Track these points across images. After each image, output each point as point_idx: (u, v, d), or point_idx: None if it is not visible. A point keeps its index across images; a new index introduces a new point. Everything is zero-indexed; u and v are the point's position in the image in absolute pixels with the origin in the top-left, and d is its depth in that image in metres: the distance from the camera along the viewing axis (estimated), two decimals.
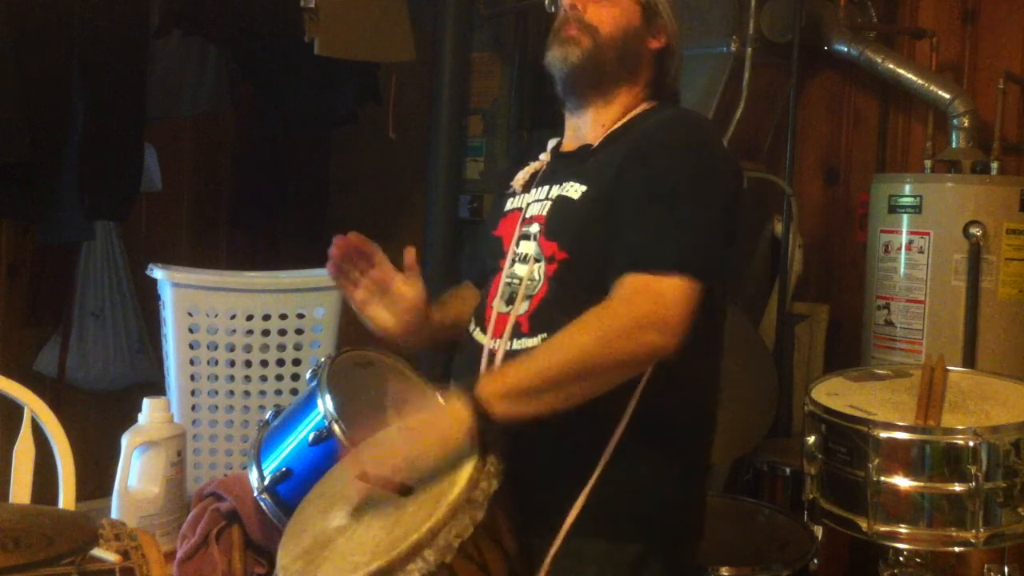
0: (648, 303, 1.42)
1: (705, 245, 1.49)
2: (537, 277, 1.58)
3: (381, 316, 1.67)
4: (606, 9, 1.65)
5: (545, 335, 1.52)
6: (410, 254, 1.67)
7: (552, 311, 1.54)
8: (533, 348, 1.52)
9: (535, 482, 1.50)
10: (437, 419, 1.44)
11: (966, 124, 2.83)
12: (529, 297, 1.58)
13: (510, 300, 1.60)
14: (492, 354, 1.58)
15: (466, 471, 1.39)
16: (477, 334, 1.65)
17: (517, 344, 1.56)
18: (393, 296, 1.66)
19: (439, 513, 1.33)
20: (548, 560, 1.48)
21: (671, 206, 1.48)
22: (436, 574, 1.31)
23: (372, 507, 1.45)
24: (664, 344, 1.41)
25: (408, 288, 1.66)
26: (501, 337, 1.57)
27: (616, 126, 1.66)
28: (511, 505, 1.46)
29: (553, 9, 1.74)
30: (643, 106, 1.68)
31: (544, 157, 1.75)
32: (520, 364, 1.45)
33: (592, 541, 1.51)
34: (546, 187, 1.67)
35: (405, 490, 1.43)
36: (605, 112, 1.67)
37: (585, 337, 1.42)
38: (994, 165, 2.79)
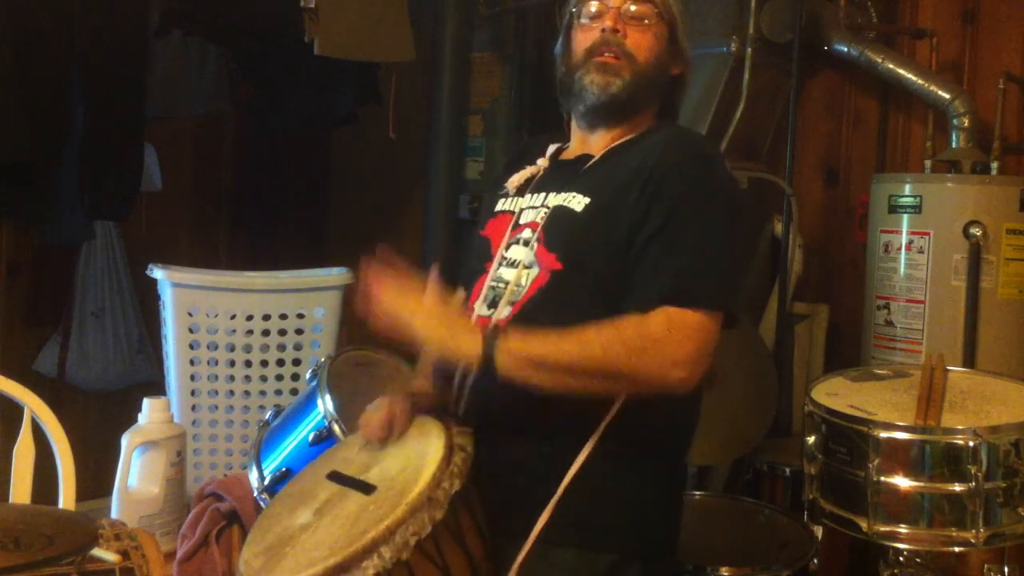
0: (689, 341, 1.43)
1: (732, 278, 1.53)
2: (524, 283, 1.56)
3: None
4: (644, 36, 1.64)
5: None
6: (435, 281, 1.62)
7: (531, 319, 1.53)
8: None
9: (507, 485, 1.50)
10: (451, 327, 1.46)
11: (966, 124, 2.83)
12: (512, 303, 1.56)
13: (492, 304, 1.59)
14: None
15: (430, 469, 1.40)
16: None
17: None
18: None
19: (398, 511, 1.34)
20: (516, 565, 1.47)
21: (703, 237, 1.49)
22: (392, 572, 1.33)
23: (336, 505, 1.46)
24: (689, 381, 1.44)
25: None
26: None
27: (620, 141, 1.65)
28: (480, 507, 1.46)
29: (583, 21, 1.67)
30: (647, 124, 1.68)
31: (542, 163, 1.72)
32: (548, 337, 1.44)
33: (564, 549, 1.50)
34: (542, 194, 1.65)
35: (368, 488, 1.44)
36: (616, 131, 1.66)
37: (620, 344, 1.42)
38: (994, 165, 2.79)
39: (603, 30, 1.62)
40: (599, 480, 1.50)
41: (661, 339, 1.43)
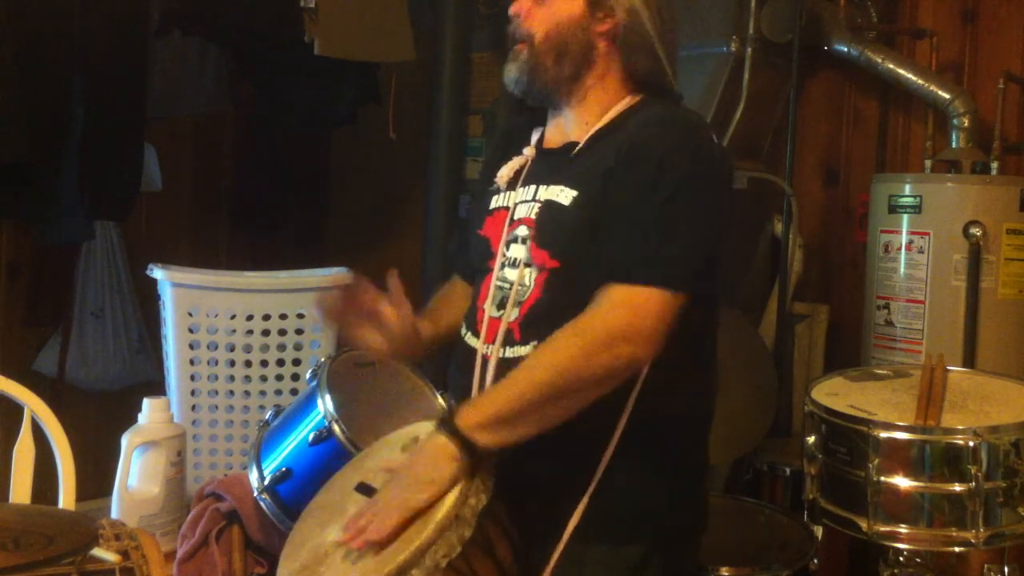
0: (623, 315, 1.41)
1: (687, 254, 1.47)
2: (528, 283, 1.56)
3: (371, 339, 1.67)
4: (543, 9, 1.59)
5: (536, 343, 1.51)
6: (393, 277, 1.64)
7: (542, 319, 1.52)
8: (522, 359, 1.49)
9: (533, 489, 1.50)
10: (424, 463, 1.42)
11: (966, 124, 2.83)
12: (519, 303, 1.56)
13: (501, 304, 1.58)
14: (485, 359, 1.57)
15: (455, 487, 1.39)
16: (469, 338, 1.63)
17: (510, 352, 1.54)
18: (381, 321, 1.65)
19: (427, 532, 1.34)
20: (550, 567, 1.48)
21: (655, 214, 1.46)
22: None
23: None
24: (637, 355, 1.42)
25: (394, 313, 1.64)
26: (494, 342, 1.56)
27: (601, 124, 1.60)
28: (507, 513, 1.46)
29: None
30: (628, 100, 1.61)
31: (528, 151, 1.69)
32: (498, 391, 1.44)
33: (593, 545, 1.50)
34: (532, 186, 1.63)
35: None
36: (584, 109, 1.62)
37: (560, 356, 1.42)
38: (994, 165, 2.79)
39: (509, 20, 1.62)
40: (621, 477, 1.50)
41: (597, 326, 1.42)
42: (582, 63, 1.60)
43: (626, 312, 1.41)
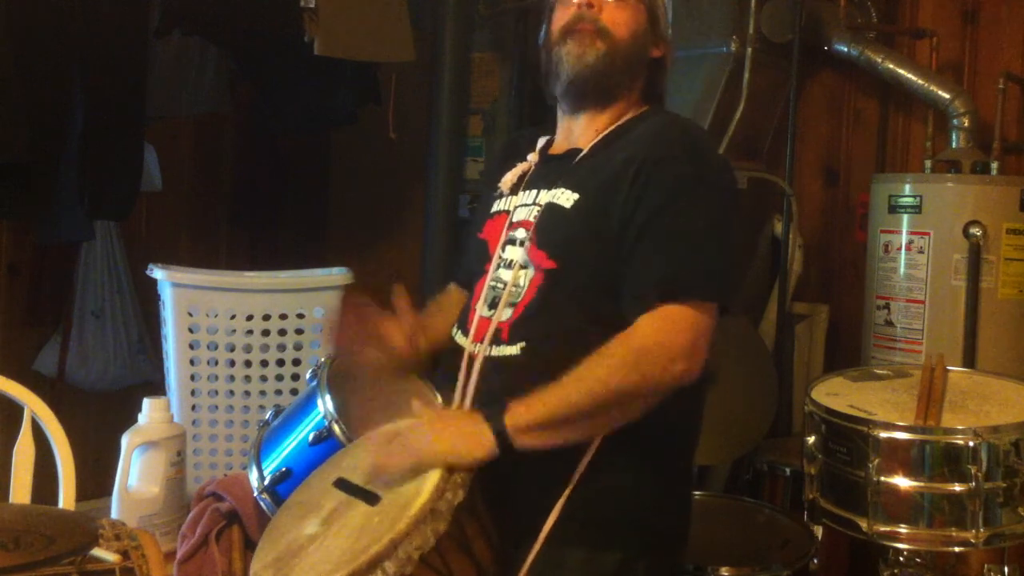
0: (680, 334, 1.43)
1: (724, 267, 1.52)
2: (522, 284, 1.56)
3: (371, 355, 1.70)
4: (621, 12, 1.62)
5: (524, 344, 1.52)
6: (399, 293, 1.66)
7: (534, 321, 1.53)
8: (508, 358, 1.51)
9: (514, 488, 1.50)
10: (463, 435, 1.44)
11: (966, 124, 2.83)
12: (512, 304, 1.56)
13: (493, 305, 1.59)
14: (472, 358, 1.57)
15: (432, 480, 1.39)
16: (459, 337, 1.64)
17: (496, 351, 1.55)
18: (384, 342, 1.68)
19: (401, 525, 1.34)
20: (526, 567, 1.47)
21: (691, 230, 1.49)
22: None
23: (343, 515, 1.46)
24: (692, 371, 1.44)
25: (398, 332, 1.68)
26: (482, 342, 1.56)
27: (608, 131, 1.63)
28: (487, 512, 1.46)
29: (562, 1, 1.68)
30: (632, 111, 1.66)
31: (532, 158, 1.71)
32: (549, 395, 1.43)
33: (573, 549, 1.50)
34: (534, 191, 1.64)
35: (373, 498, 1.44)
36: (600, 118, 1.65)
37: (613, 368, 1.42)
38: (994, 165, 2.79)
39: (579, 6, 1.62)
40: (604, 479, 1.50)
41: (652, 343, 1.43)
42: (635, 77, 1.66)
43: (681, 330, 1.43)
